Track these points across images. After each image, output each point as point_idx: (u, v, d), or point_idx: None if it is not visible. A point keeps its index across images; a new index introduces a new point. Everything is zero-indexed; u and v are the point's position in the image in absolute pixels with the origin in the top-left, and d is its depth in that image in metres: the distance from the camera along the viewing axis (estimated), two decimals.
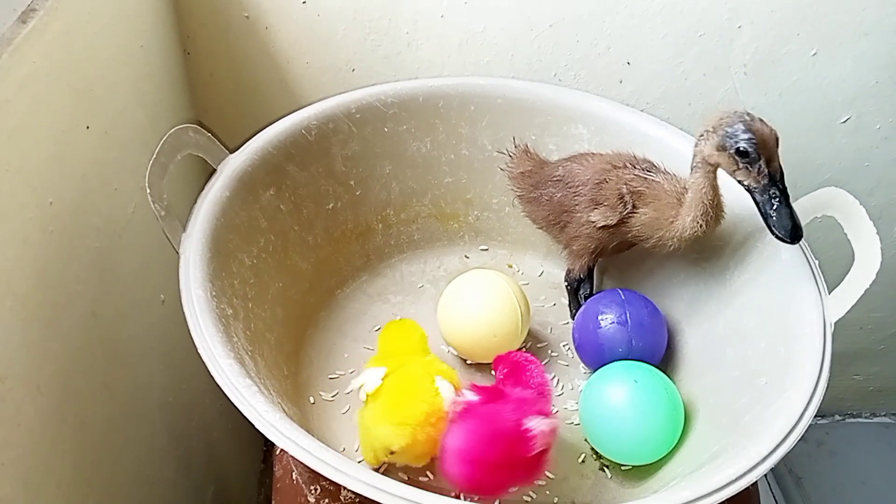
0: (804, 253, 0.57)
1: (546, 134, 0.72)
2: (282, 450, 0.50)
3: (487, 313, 0.63)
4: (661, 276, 0.69)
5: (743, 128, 0.51)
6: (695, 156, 0.56)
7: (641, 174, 0.60)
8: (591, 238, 0.64)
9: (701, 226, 0.57)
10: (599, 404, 0.58)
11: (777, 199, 0.52)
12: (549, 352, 0.69)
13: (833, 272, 0.55)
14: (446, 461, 0.51)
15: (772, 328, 0.56)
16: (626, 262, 0.72)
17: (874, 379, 1.13)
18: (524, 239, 0.77)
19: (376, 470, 0.56)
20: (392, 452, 0.53)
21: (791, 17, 0.72)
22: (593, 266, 0.68)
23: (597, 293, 0.68)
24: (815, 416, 0.47)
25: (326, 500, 0.55)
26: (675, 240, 0.59)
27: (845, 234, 0.53)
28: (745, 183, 0.53)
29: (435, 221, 0.77)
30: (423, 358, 0.58)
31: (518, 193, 0.69)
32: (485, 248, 0.79)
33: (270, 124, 0.66)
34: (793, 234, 0.52)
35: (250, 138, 0.64)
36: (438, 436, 0.52)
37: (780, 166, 0.52)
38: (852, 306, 0.51)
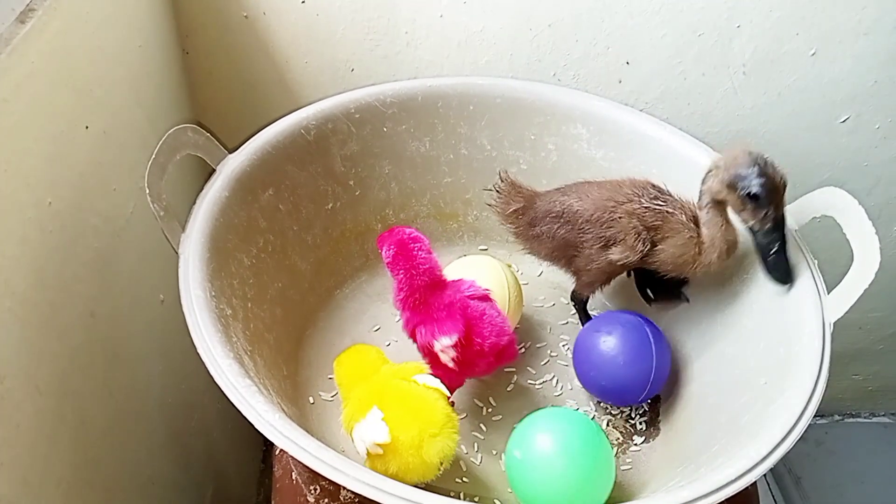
0: (803, 253, 0.57)
1: (545, 133, 0.72)
2: (281, 450, 0.50)
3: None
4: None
5: (757, 172, 0.52)
6: (702, 194, 0.56)
7: (651, 205, 0.59)
8: (602, 272, 0.63)
9: (725, 259, 0.58)
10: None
11: (777, 244, 0.54)
12: (549, 352, 0.69)
13: (832, 272, 0.55)
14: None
15: (771, 328, 0.56)
16: None
17: (873, 379, 1.13)
18: None
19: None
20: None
21: (790, 16, 0.72)
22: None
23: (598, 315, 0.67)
24: (815, 416, 0.47)
25: (326, 500, 0.55)
26: (699, 273, 0.59)
27: (844, 234, 0.53)
28: (749, 224, 0.54)
29: (434, 221, 0.77)
30: (389, 372, 0.56)
31: (514, 231, 0.67)
32: (484, 247, 0.79)
33: (269, 124, 0.66)
34: (785, 278, 0.55)
35: (249, 138, 0.64)
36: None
37: (783, 212, 0.54)
38: (851, 306, 0.51)
